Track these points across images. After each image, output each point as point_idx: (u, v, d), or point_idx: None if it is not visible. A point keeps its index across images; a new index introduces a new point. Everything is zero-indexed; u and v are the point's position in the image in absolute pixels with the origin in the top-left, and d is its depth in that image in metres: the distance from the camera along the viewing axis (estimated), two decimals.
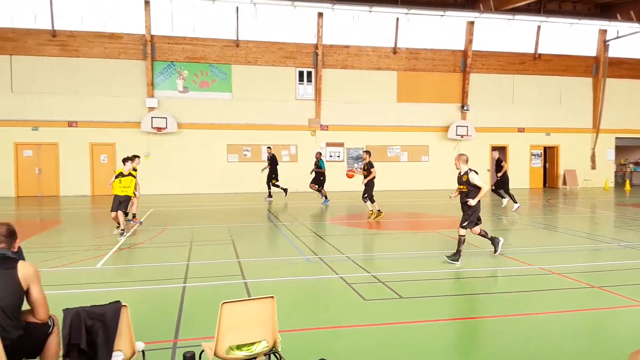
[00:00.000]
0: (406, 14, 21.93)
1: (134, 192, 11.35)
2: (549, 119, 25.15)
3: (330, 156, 23.14)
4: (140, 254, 9.31)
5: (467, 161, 8.48)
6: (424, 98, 23.83)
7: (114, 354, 3.44)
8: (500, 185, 15.61)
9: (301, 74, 22.72)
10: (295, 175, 21.89)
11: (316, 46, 22.41)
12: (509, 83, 24.59)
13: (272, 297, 3.49)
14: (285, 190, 18.53)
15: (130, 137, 20.68)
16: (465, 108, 24.05)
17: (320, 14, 22.01)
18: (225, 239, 10.73)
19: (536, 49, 24.57)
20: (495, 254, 8.61)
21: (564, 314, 5.63)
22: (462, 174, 8.33)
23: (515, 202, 15.27)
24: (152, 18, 20.68)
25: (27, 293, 3.54)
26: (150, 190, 20.48)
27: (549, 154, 25.87)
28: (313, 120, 22.81)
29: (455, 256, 8.14)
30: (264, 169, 18.75)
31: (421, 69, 23.71)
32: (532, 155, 25.43)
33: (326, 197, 17.73)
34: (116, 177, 11.06)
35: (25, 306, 3.59)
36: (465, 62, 23.84)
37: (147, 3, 20.36)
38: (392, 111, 23.54)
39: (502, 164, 15.65)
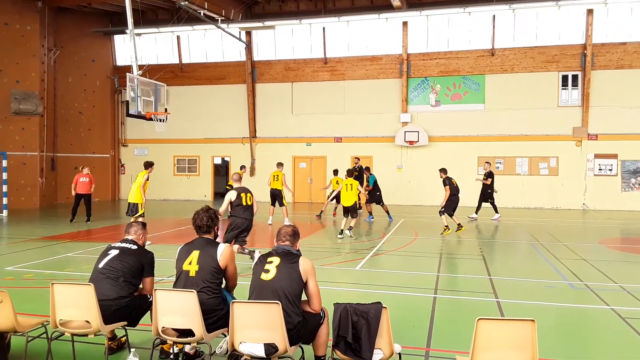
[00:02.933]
0: None
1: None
2: None
3: (600, 169, 20.28)
4: (394, 261, 9.85)
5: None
6: None
7: (375, 351, 3.75)
8: (482, 197, 16.34)
9: (565, 78, 20.61)
10: (557, 190, 20.12)
11: (584, 46, 20.03)
12: None
13: (533, 320, 3.30)
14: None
15: (385, 150, 22.06)
16: None
17: (589, 11, 19.63)
18: (475, 253, 10.49)
19: None
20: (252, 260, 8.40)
21: None
22: None
23: (476, 214, 16.33)
24: (409, 37, 21.74)
25: (305, 285, 4.11)
26: (400, 201, 21.45)
27: None
28: (579, 129, 20.38)
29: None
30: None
31: None
32: None
33: (370, 213, 16.15)
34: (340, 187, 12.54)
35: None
36: None
37: (404, 24, 21.51)
38: None
39: (489, 178, 16.14)
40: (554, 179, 20.58)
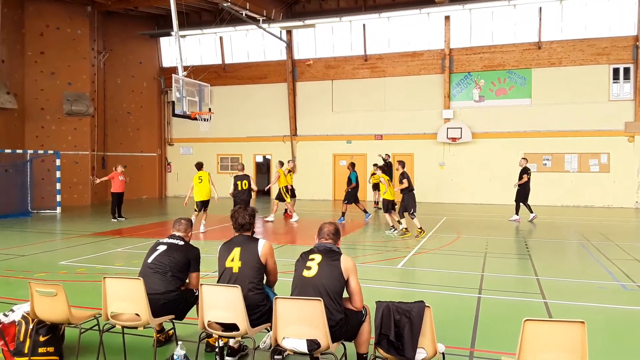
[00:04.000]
0: None
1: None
2: None
3: None
4: (436, 260, 9.71)
5: None
6: None
7: (417, 350, 3.72)
8: (518, 197, 15.11)
9: (616, 71, 19.72)
10: (609, 188, 19.32)
11: (636, 38, 19.09)
12: None
13: (583, 322, 3.19)
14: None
15: (427, 147, 21.75)
16: None
17: None
18: (521, 253, 10.22)
19: None
20: None
21: None
22: None
23: (532, 213, 14.92)
24: (452, 32, 21.33)
25: (346, 282, 4.12)
26: (443, 199, 21.15)
27: None
28: (631, 124, 19.45)
29: None
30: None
31: None
32: None
33: (365, 211, 15.31)
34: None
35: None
36: None
37: (447, 18, 21.12)
38: None
39: (524, 175, 14.96)
40: (606, 176, 19.75)
